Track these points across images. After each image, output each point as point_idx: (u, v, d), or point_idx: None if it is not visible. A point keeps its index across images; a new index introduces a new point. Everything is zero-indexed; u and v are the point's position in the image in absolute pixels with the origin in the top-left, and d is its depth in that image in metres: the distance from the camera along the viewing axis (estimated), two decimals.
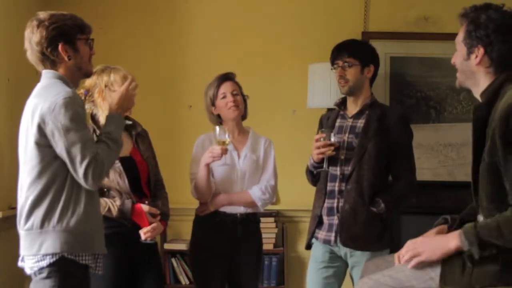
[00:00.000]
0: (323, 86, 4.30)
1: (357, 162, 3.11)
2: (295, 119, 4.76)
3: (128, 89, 2.69)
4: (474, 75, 2.31)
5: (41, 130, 2.41)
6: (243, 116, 3.46)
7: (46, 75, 2.52)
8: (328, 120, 3.30)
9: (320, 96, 4.33)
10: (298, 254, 4.78)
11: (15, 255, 3.28)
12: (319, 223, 3.22)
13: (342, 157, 3.15)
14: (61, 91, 2.42)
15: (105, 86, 3.03)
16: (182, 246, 4.54)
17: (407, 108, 4.64)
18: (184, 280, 4.58)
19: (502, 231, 2.14)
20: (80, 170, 2.39)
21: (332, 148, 3.09)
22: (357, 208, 3.10)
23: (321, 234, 3.21)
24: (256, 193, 3.33)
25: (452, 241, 2.22)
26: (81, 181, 2.42)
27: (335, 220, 3.15)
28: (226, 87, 3.38)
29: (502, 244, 2.14)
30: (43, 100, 2.42)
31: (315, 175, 3.28)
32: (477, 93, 2.34)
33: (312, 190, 4.63)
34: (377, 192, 3.12)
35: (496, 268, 2.14)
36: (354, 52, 3.19)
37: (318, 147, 3.10)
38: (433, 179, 4.61)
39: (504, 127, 2.13)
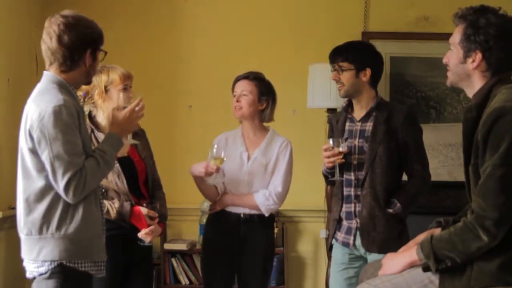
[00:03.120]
0: (323, 86, 4.30)
1: (369, 166, 3.10)
2: (295, 119, 4.76)
3: (133, 112, 2.63)
4: (470, 78, 2.30)
5: (31, 136, 2.38)
6: (264, 118, 3.38)
7: (46, 77, 2.49)
8: (337, 124, 3.27)
9: (320, 96, 4.33)
10: (298, 254, 4.79)
11: (16, 255, 3.28)
12: (338, 225, 3.22)
13: (355, 162, 3.14)
14: (52, 99, 2.37)
15: (105, 86, 3.02)
16: (182, 246, 4.54)
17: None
18: (184, 280, 4.58)
19: (454, 244, 2.16)
20: (61, 183, 2.35)
21: (341, 156, 3.08)
22: (374, 213, 3.09)
23: (340, 236, 3.20)
24: (260, 198, 3.31)
25: (411, 255, 2.28)
26: (62, 193, 2.38)
27: (354, 223, 3.15)
28: (237, 86, 3.36)
29: (456, 257, 2.16)
30: (35, 106, 2.39)
31: (330, 180, 3.27)
32: (470, 94, 2.33)
33: (312, 190, 4.67)
34: (392, 193, 3.12)
35: (495, 268, 2.14)
36: (348, 56, 3.16)
37: (328, 157, 3.09)
38: (433, 179, 4.53)
39: (486, 131, 2.13)
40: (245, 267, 3.36)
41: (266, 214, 3.35)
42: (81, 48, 2.46)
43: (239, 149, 3.35)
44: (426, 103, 4.73)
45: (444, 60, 2.37)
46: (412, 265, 2.28)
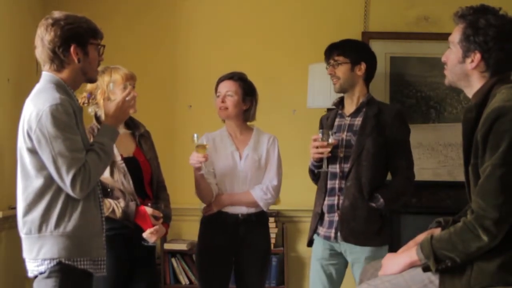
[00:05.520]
0: (323, 86, 4.30)
1: (356, 159, 3.14)
2: (295, 119, 4.76)
3: (124, 101, 2.67)
4: (468, 78, 2.30)
5: (29, 136, 2.41)
6: (247, 118, 3.43)
7: (44, 77, 2.52)
8: (327, 120, 3.33)
9: (320, 96, 4.33)
10: (298, 254, 4.79)
11: (16, 255, 3.28)
12: (320, 219, 3.24)
13: (341, 155, 3.18)
14: (49, 98, 2.40)
15: (107, 86, 3.03)
16: (182, 246, 4.55)
17: (407, 108, 4.64)
18: (184, 280, 4.58)
19: (454, 244, 2.16)
20: (67, 180, 2.38)
21: (329, 149, 3.11)
22: (357, 204, 3.12)
23: (322, 230, 3.23)
24: (257, 193, 3.33)
25: (411, 256, 2.28)
26: (68, 190, 2.40)
27: (335, 217, 3.18)
28: (222, 86, 3.39)
29: (456, 257, 2.16)
30: (33, 106, 2.42)
31: (315, 174, 3.31)
32: (469, 93, 2.34)
33: (312, 190, 4.66)
34: (376, 188, 3.15)
35: (495, 268, 2.14)
36: (344, 50, 3.24)
37: (316, 147, 3.13)
38: (433, 179, 4.61)
39: (486, 131, 2.13)
40: (244, 267, 3.38)
41: (265, 209, 3.38)
42: (63, 45, 2.47)
43: (229, 148, 3.38)
44: (426, 103, 4.73)
45: (443, 59, 2.38)
46: (412, 265, 2.28)
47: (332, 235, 3.18)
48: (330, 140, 3.11)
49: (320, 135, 3.13)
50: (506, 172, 2.09)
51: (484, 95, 2.24)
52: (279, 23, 4.81)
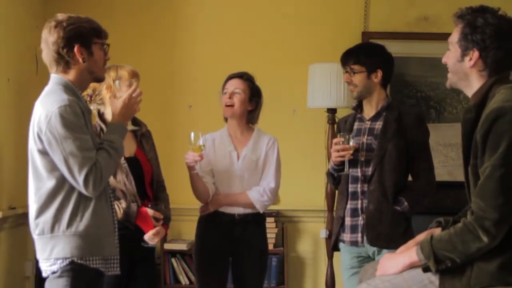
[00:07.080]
0: (323, 86, 4.30)
1: (378, 163, 3.14)
2: (295, 119, 4.77)
3: (131, 97, 2.68)
4: (468, 77, 2.31)
5: (40, 138, 2.43)
6: (250, 119, 3.43)
7: (53, 79, 2.55)
8: (346, 124, 3.33)
9: (320, 96, 4.33)
10: (298, 254, 4.79)
11: (16, 255, 3.30)
12: (342, 225, 3.24)
13: (362, 158, 3.18)
14: (57, 99, 2.42)
15: (113, 81, 3.04)
16: (182, 246, 4.55)
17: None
18: (184, 280, 4.58)
19: (454, 244, 2.16)
20: (80, 179, 2.40)
21: (351, 151, 3.12)
22: (382, 208, 3.13)
23: (346, 236, 3.23)
24: (254, 195, 3.32)
25: (411, 256, 2.28)
26: (82, 189, 2.43)
27: (360, 220, 3.18)
28: (230, 84, 3.39)
29: (456, 257, 2.16)
30: (42, 108, 2.44)
31: (335, 178, 3.31)
32: (469, 93, 2.34)
33: (312, 190, 4.68)
34: (399, 191, 3.16)
35: (494, 268, 2.14)
36: (360, 59, 3.22)
37: (337, 151, 3.13)
38: None
39: (485, 131, 2.13)
40: (241, 267, 3.38)
41: (261, 211, 3.38)
42: (67, 46, 2.49)
43: (227, 148, 3.38)
44: (426, 103, 4.73)
45: (443, 60, 2.38)
46: (412, 266, 2.28)
47: (359, 239, 3.18)
48: (351, 143, 3.11)
49: (341, 138, 3.13)
50: (506, 172, 2.09)
51: (483, 95, 2.25)
52: (279, 23, 4.81)
